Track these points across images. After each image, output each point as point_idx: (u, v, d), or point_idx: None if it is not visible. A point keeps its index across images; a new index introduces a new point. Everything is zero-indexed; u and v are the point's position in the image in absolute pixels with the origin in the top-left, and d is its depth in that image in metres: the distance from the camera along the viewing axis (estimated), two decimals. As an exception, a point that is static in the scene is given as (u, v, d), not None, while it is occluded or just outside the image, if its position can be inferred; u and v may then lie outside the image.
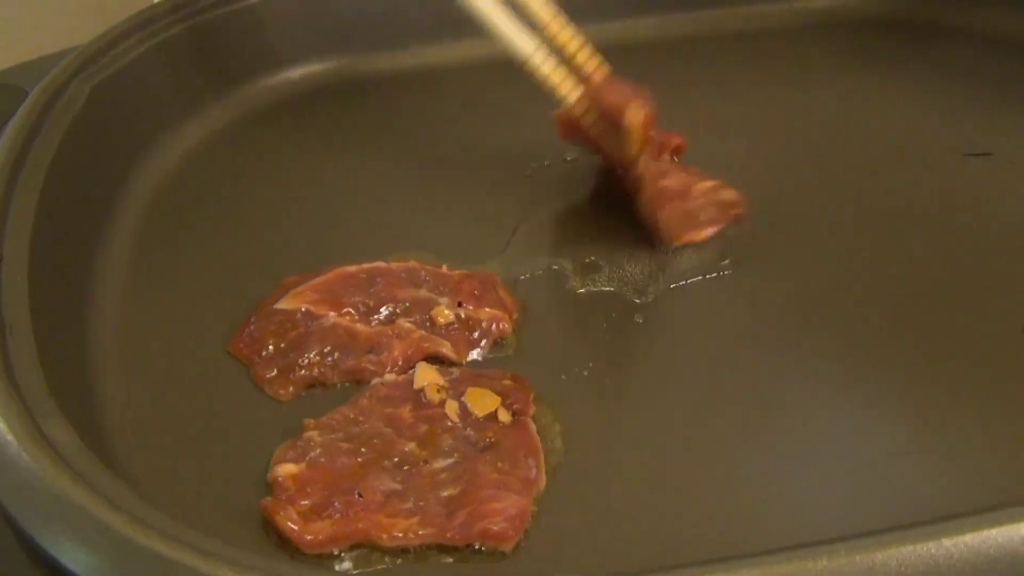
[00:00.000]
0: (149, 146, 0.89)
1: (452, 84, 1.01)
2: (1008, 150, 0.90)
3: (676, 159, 0.86)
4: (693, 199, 0.81)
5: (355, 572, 0.60)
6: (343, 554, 0.61)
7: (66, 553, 0.51)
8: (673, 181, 0.81)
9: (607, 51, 0.82)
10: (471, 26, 0.98)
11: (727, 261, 0.80)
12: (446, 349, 0.72)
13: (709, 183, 0.83)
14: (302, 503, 0.62)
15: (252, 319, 0.74)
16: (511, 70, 0.99)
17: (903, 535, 0.50)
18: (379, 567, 0.60)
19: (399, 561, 0.61)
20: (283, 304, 0.74)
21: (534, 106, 0.82)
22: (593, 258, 0.81)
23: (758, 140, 0.93)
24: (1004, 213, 0.84)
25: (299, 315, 0.73)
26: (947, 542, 0.50)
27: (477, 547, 0.61)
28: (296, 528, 0.61)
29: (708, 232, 0.81)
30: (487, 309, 0.75)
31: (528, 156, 0.92)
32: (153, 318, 0.76)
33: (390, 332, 0.72)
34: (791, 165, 0.90)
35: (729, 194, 0.83)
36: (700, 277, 0.79)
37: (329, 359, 0.71)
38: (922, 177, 0.89)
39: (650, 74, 0.81)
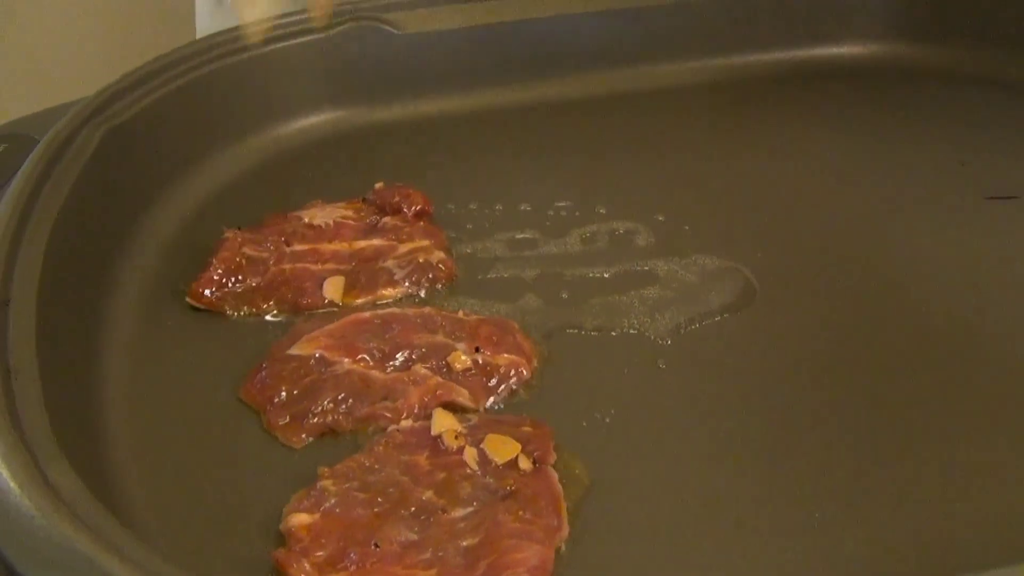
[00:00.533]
0: (161, 193, 0.88)
1: (465, 131, 1.00)
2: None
3: (422, 222, 0.85)
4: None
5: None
6: (358, 608, 0.59)
7: (67, 603, 0.49)
8: None
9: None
10: (484, 75, 0.99)
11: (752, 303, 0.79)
12: (463, 398, 0.70)
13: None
14: (316, 554, 0.60)
15: (264, 365, 0.72)
16: (524, 118, 1.00)
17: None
18: (396, 621, 0.58)
19: (418, 615, 0.58)
20: (296, 350, 0.72)
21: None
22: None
23: (769, 193, 0.92)
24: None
25: (312, 361, 0.71)
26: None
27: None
28: None
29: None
30: (505, 355, 0.73)
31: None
32: (162, 365, 0.74)
33: (406, 379, 0.70)
34: (808, 211, 0.89)
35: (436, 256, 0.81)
36: (720, 317, 0.77)
37: (343, 406, 0.69)
38: (944, 222, 0.87)
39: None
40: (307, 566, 0.59)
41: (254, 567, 0.60)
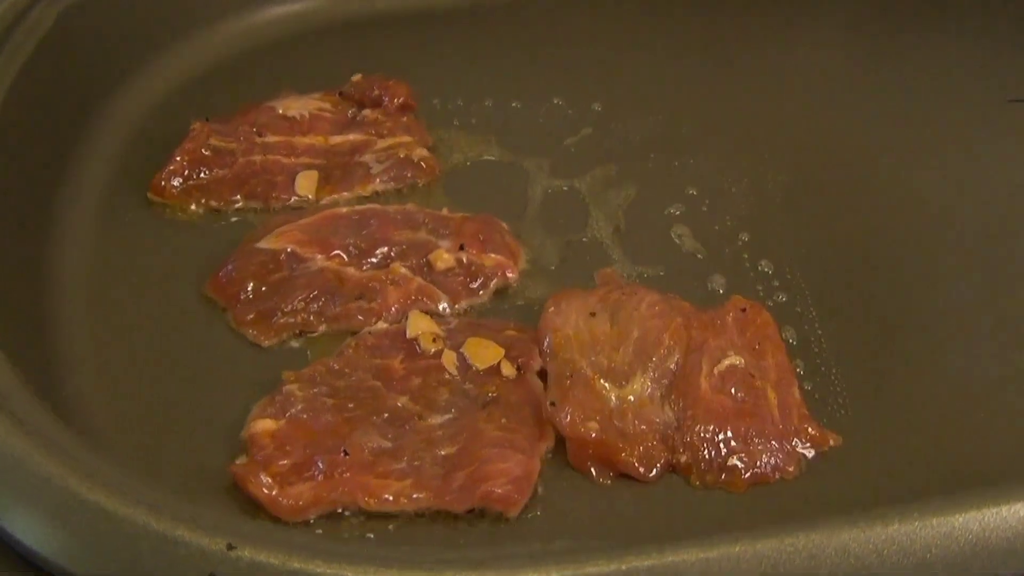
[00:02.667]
0: (125, 80, 0.81)
1: (453, 24, 0.93)
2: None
3: (405, 117, 0.79)
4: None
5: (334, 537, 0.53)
6: (324, 519, 0.54)
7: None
8: None
9: None
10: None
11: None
12: (445, 302, 0.66)
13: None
14: (280, 463, 0.55)
15: (233, 258, 0.67)
16: (517, 11, 0.93)
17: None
18: (365, 534, 0.53)
19: (390, 527, 0.54)
20: (266, 243, 0.67)
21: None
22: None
23: (775, 95, 0.85)
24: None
25: (283, 256, 0.66)
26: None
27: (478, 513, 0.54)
28: (272, 493, 0.54)
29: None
30: (492, 255, 0.68)
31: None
32: (122, 261, 0.69)
33: (384, 277, 0.65)
34: (816, 118, 0.83)
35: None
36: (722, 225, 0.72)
37: (315, 305, 0.64)
38: (962, 127, 0.82)
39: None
40: (266, 480, 0.54)
41: (215, 476, 0.55)
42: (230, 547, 0.42)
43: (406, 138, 0.76)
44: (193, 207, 0.72)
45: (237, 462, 0.56)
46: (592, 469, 0.57)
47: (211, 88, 0.84)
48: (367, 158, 0.74)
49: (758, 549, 0.43)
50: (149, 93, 0.82)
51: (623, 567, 0.42)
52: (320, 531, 0.53)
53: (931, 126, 0.81)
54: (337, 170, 0.73)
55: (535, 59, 0.87)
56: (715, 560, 0.43)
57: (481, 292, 0.66)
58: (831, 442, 0.58)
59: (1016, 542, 0.45)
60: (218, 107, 0.79)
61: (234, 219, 0.72)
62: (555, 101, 0.83)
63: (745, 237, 0.72)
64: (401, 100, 0.79)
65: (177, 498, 0.45)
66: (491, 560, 0.43)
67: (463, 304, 0.66)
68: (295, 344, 0.64)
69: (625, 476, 0.57)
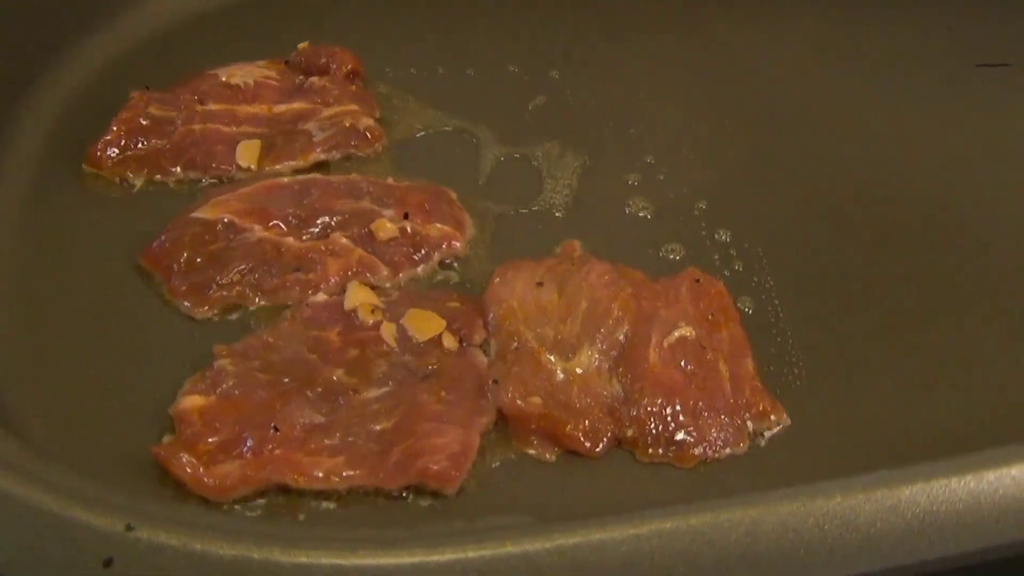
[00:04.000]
0: (66, 45, 0.78)
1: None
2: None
3: (353, 86, 0.76)
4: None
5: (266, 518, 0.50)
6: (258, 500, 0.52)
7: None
8: None
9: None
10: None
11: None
12: (387, 273, 0.63)
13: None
14: (208, 440, 0.53)
15: (168, 228, 0.64)
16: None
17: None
18: (299, 515, 0.51)
19: (331, 506, 0.51)
20: (202, 213, 0.64)
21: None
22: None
23: (744, 63, 0.83)
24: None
25: (220, 226, 0.64)
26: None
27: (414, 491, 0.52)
28: (196, 473, 0.51)
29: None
30: (437, 225, 0.65)
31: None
32: (54, 234, 0.66)
33: (323, 248, 0.63)
34: (786, 84, 0.81)
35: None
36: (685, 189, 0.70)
37: (251, 278, 0.62)
38: (930, 91, 0.79)
39: None
40: (188, 460, 0.51)
41: (143, 454, 0.53)
42: (129, 528, 0.39)
43: (352, 107, 0.73)
44: (132, 179, 0.69)
45: (164, 440, 0.54)
46: (536, 445, 0.55)
47: (157, 57, 0.81)
48: (310, 126, 0.72)
49: (692, 525, 0.41)
50: (91, 62, 0.79)
51: (547, 545, 0.40)
52: (259, 513, 0.51)
53: (897, 93, 0.79)
54: (279, 138, 0.71)
55: (491, 26, 0.85)
56: (646, 537, 0.40)
57: (425, 263, 0.64)
58: (783, 418, 0.56)
59: (966, 516, 0.43)
60: (164, 76, 0.76)
61: (175, 191, 0.69)
62: (510, 68, 0.81)
63: (703, 205, 0.70)
64: (349, 68, 0.76)
65: (80, 478, 0.42)
66: (408, 540, 0.41)
67: (405, 275, 0.63)
68: (234, 317, 0.62)
69: (572, 452, 0.55)
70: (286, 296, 0.61)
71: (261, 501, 0.52)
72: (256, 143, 0.70)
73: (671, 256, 0.66)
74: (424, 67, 0.80)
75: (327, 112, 0.72)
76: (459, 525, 0.47)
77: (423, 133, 0.75)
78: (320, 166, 0.71)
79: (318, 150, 0.70)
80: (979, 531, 0.42)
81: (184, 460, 0.51)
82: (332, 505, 0.52)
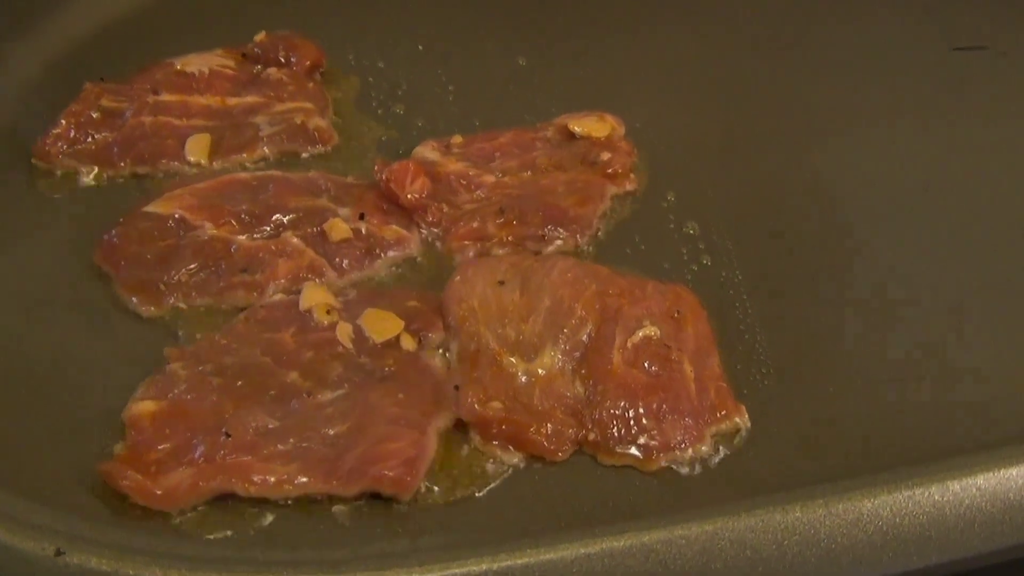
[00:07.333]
0: (20, 32, 0.76)
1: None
2: (1002, 42, 0.79)
3: (316, 76, 0.75)
4: None
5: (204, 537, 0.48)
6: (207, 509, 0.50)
7: None
8: None
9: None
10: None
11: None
12: (336, 276, 0.61)
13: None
14: (160, 447, 0.51)
15: (119, 223, 0.62)
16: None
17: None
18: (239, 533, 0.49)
19: (265, 521, 0.49)
20: (154, 208, 0.62)
21: None
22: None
23: (704, 47, 0.81)
24: (997, 110, 0.74)
25: (171, 223, 0.62)
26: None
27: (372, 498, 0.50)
28: (143, 486, 0.49)
29: None
30: (393, 227, 0.63)
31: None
32: (1, 231, 0.64)
33: (273, 248, 0.61)
34: (754, 67, 0.79)
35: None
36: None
37: (197, 278, 0.60)
38: (906, 75, 0.78)
39: None
40: (132, 477, 0.49)
41: (89, 468, 0.51)
42: (58, 553, 0.38)
43: (307, 104, 0.71)
44: (83, 173, 0.67)
45: (116, 448, 0.52)
46: (499, 451, 0.54)
47: (119, 45, 0.79)
48: (259, 119, 0.69)
49: (645, 543, 0.39)
50: (50, 49, 0.77)
51: (495, 566, 0.38)
52: (198, 528, 0.49)
53: (873, 82, 0.77)
54: (229, 131, 0.69)
55: (459, 14, 0.83)
56: (597, 556, 0.39)
57: (377, 264, 0.62)
58: (745, 420, 0.54)
59: (930, 530, 0.41)
60: (124, 65, 0.74)
61: (126, 186, 0.67)
62: (481, 56, 0.79)
63: (671, 198, 0.68)
64: (309, 61, 0.74)
65: (10, 496, 0.41)
66: (352, 561, 0.40)
67: (353, 277, 0.61)
68: (188, 316, 0.60)
69: (535, 457, 0.53)
70: (233, 298, 0.59)
71: (202, 509, 0.50)
72: (206, 137, 0.68)
73: (641, 248, 0.65)
74: (392, 57, 0.78)
75: (279, 107, 0.70)
76: (403, 544, 0.45)
77: (380, 131, 0.73)
78: (280, 162, 0.69)
79: (264, 146, 0.68)
80: (943, 545, 0.41)
81: (128, 477, 0.49)
82: (273, 517, 0.50)
